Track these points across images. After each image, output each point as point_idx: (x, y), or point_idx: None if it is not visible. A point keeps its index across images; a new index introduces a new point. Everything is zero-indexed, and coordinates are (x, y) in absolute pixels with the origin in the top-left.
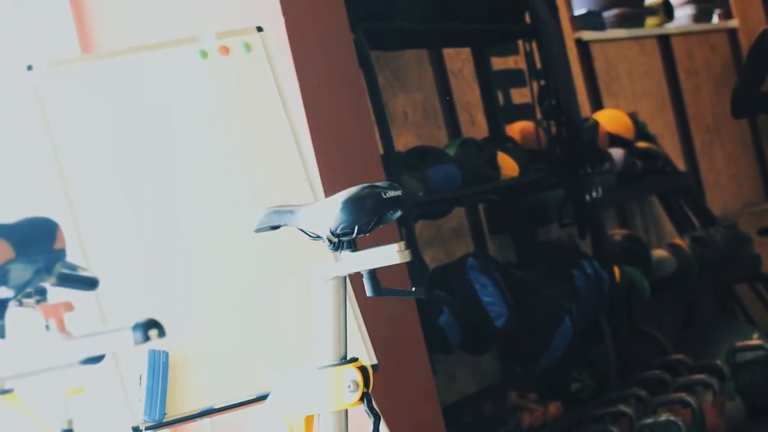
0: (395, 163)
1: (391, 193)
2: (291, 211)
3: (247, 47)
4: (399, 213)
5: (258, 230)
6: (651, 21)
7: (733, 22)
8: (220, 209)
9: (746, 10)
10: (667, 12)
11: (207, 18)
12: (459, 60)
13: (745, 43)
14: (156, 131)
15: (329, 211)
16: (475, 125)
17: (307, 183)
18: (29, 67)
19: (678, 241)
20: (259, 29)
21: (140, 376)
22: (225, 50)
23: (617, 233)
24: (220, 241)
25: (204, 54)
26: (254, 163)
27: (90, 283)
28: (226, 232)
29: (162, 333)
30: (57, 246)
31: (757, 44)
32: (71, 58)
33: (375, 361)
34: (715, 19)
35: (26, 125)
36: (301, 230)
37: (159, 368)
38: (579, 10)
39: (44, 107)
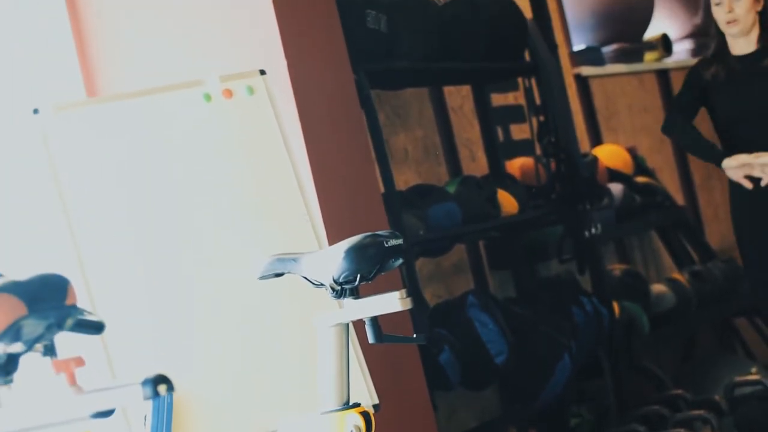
0: (396, 202)
1: (392, 242)
2: (294, 259)
3: (250, 90)
4: (400, 261)
5: (262, 278)
6: (650, 56)
7: None
8: (224, 253)
9: None
10: (666, 47)
11: (210, 61)
12: (459, 96)
13: None
14: (160, 174)
15: (332, 260)
16: (476, 161)
17: (310, 223)
18: (35, 111)
19: (677, 275)
20: (262, 72)
21: (144, 417)
22: (228, 93)
23: (616, 268)
24: (223, 284)
25: (208, 97)
26: (257, 204)
27: (96, 328)
28: (230, 275)
29: (171, 388)
30: (68, 302)
31: (687, 78)
32: (77, 101)
33: (376, 401)
34: None
35: (31, 168)
36: (305, 278)
37: (163, 409)
38: (578, 46)
39: (50, 150)
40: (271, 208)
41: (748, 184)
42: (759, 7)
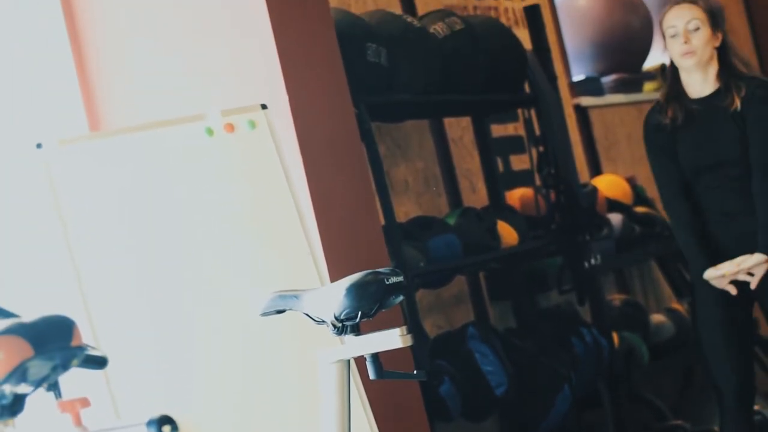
0: (396, 234)
1: (393, 280)
2: (296, 296)
3: (252, 124)
4: (401, 298)
5: (264, 314)
6: (649, 86)
7: None
8: (226, 288)
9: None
10: (665, 77)
11: (213, 95)
12: (459, 128)
13: None
14: (163, 208)
15: (333, 298)
16: (476, 192)
17: (311, 257)
18: (38, 145)
19: (676, 305)
20: (264, 107)
21: None
22: (230, 127)
23: (616, 298)
24: (224, 320)
25: (210, 131)
26: (259, 238)
27: (100, 363)
28: (231, 311)
29: (175, 428)
30: (74, 343)
31: (649, 144)
32: (80, 136)
33: None
34: None
35: (36, 202)
36: (306, 315)
37: None
38: (578, 76)
39: (53, 184)
40: (272, 242)
41: (734, 291)
42: (717, 43)
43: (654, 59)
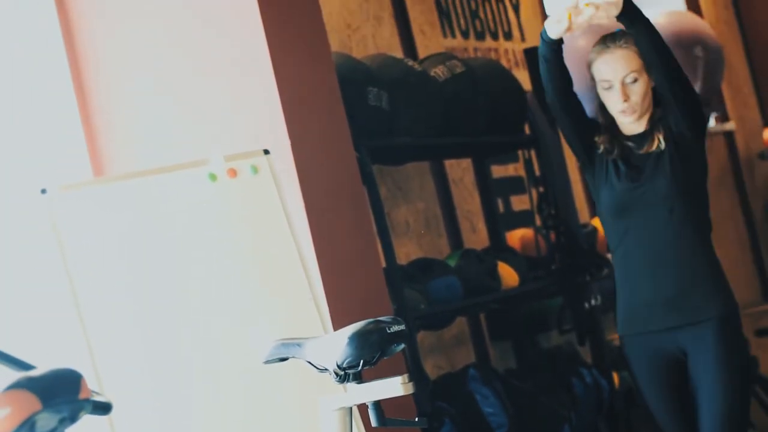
0: (397, 277)
1: (395, 328)
2: (299, 344)
3: (255, 169)
4: (402, 346)
5: (267, 362)
6: None
7: (730, 125)
8: (228, 332)
9: (743, 113)
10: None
11: (215, 140)
12: (460, 169)
13: (741, 145)
14: (166, 253)
15: (336, 346)
16: (476, 233)
17: (313, 301)
18: (43, 191)
19: None
20: (266, 152)
21: None
22: (233, 173)
23: (616, 338)
24: (226, 366)
25: (213, 177)
26: (261, 282)
27: (104, 408)
28: (234, 355)
29: None
30: (81, 396)
31: None
32: (84, 181)
33: None
34: (712, 122)
35: (40, 246)
36: (309, 363)
37: None
38: None
39: (57, 229)
40: (274, 286)
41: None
42: (652, 84)
43: None
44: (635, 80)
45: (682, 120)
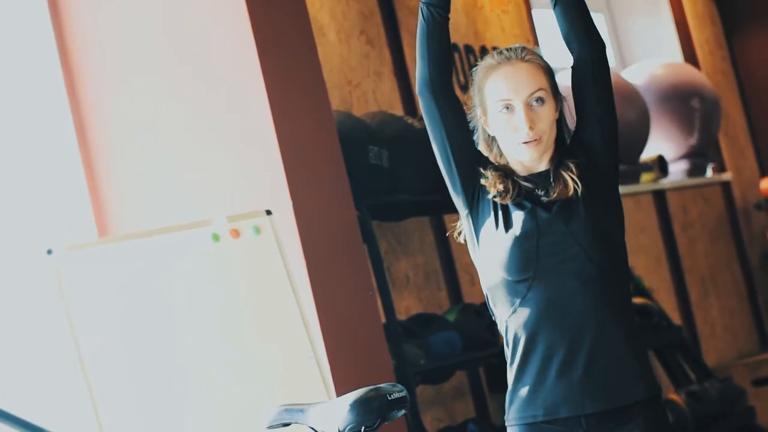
0: (397, 333)
1: (395, 395)
2: (301, 410)
3: (257, 230)
4: (403, 412)
5: (270, 428)
6: (646, 177)
7: (727, 175)
8: (231, 391)
9: (739, 163)
10: (662, 168)
11: (219, 200)
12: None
13: (738, 195)
14: (170, 312)
15: (338, 412)
16: (475, 285)
17: (314, 359)
18: (49, 251)
19: (674, 396)
20: (268, 212)
21: None
22: (236, 233)
23: None
24: (229, 424)
25: (216, 237)
26: (263, 341)
27: None
28: (236, 416)
29: None
30: None
31: None
32: (89, 241)
33: None
34: (709, 172)
35: (45, 305)
36: (312, 428)
37: None
38: None
39: (63, 289)
40: (276, 345)
41: None
42: (557, 115)
43: (651, 150)
44: (542, 102)
45: (599, 138)
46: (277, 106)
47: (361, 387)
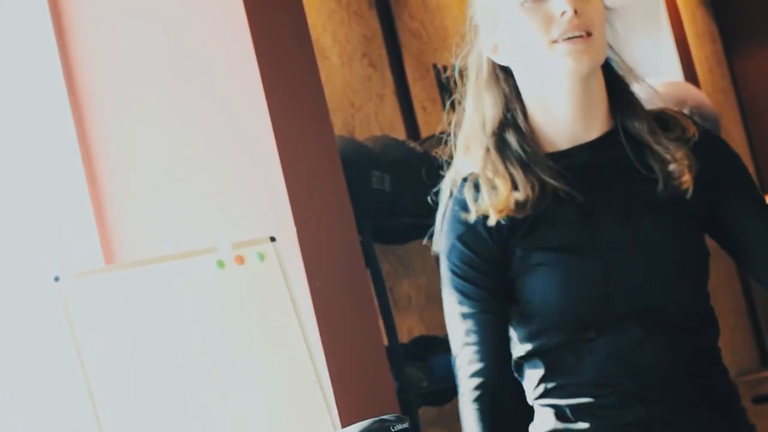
0: (399, 355)
1: (398, 427)
2: None
3: (261, 256)
4: None
5: None
6: None
7: None
8: (236, 417)
9: None
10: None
11: (223, 227)
12: None
13: None
14: (175, 338)
15: None
16: None
17: (317, 384)
18: (56, 278)
19: None
20: (272, 239)
21: None
22: (240, 260)
23: None
24: None
25: (221, 264)
26: (267, 366)
27: None
28: None
29: None
30: None
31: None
32: (95, 268)
33: None
34: None
35: (52, 332)
36: None
37: None
38: None
39: (70, 316)
40: (280, 369)
41: None
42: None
43: None
44: None
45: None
46: (281, 133)
47: (364, 411)
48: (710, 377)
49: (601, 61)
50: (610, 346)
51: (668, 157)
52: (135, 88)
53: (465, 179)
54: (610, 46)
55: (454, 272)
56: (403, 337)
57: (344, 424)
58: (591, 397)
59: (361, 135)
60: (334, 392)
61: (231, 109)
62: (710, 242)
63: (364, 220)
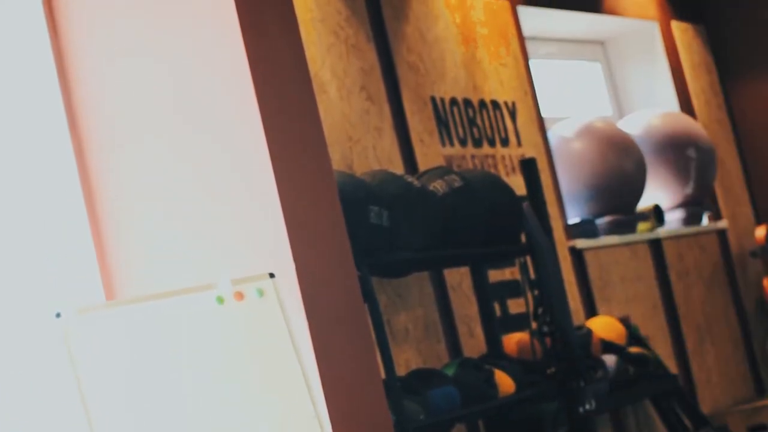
0: (396, 389)
1: None
2: None
3: (260, 292)
4: None
5: None
6: (642, 226)
7: (723, 223)
8: None
9: (735, 211)
10: (658, 217)
11: (223, 264)
12: (458, 275)
13: (734, 242)
14: (175, 373)
15: None
16: (474, 337)
17: (317, 420)
18: (58, 315)
19: None
20: (271, 275)
21: None
22: (239, 296)
23: None
24: None
25: (220, 300)
26: (266, 402)
27: None
28: None
29: None
30: None
31: None
32: (97, 305)
33: None
34: (705, 220)
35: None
36: None
37: None
38: (573, 219)
39: (71, 352)
40: (278, 405)
41: None
42: None
43: (647, 200)
44: None
45: None
46: (280, 169)
47: None
48: None
49: None
50: None
51: None
52: (135, 124)
53: None
54: None
55: None
56: (400, 369)
57: None
58: None
59: (359, 168)
60: (332, 427)
61: (230, 145)
62: (703, 272)
63: (362, 255)
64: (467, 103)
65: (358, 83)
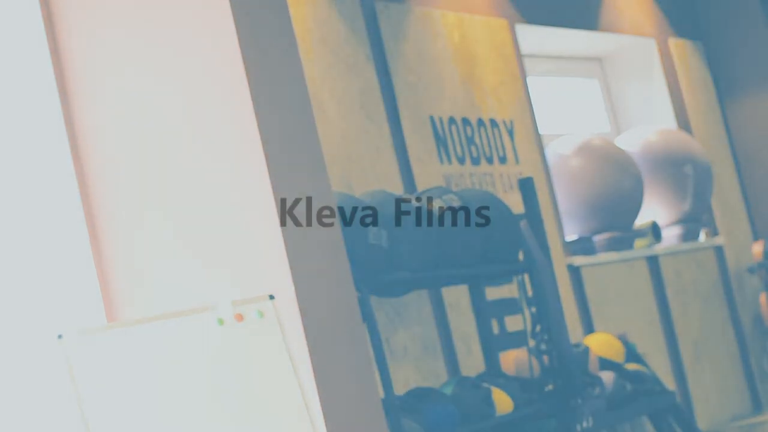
0: (395, 408)
1: None
2: None
3: (260, 314)
4: None
5: None
6: (640, 243)
7: (720, 239)
8: None
9: (732, 227)
10: (655, 234)
11: (223, 285)
12: (456, 293)
13: (731, 258)
14: (176, 394)
15: None
16: (471, 354)
17: None
18: (59, 336)
19: None
20: (271, 297)
21: None
22: (240, 317)
23: None
24: None
25: (220, 321)
26: (267, 424)
27: None
28: None
29: None
30: None
31: None
32: (98, 326)
33: None
34: (702, 237)
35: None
36: None
37: None
38: (570, 236)
39: (73, 373)
40: (279, 427)
41: None
42: None
43: (644, 216)
44: None
45: None
46: (280, 190)
47: None
48: None
49: None
50: None
51: None
52: (136, 145)
53: None
54: None
55: None
56: (399, 386)
57: None
58: None
59: (358, 187)
60: None
61: (230, 165)
62: (701, 288)
63: (361, 275)
64: (465, 121)
65: (357, 102)
